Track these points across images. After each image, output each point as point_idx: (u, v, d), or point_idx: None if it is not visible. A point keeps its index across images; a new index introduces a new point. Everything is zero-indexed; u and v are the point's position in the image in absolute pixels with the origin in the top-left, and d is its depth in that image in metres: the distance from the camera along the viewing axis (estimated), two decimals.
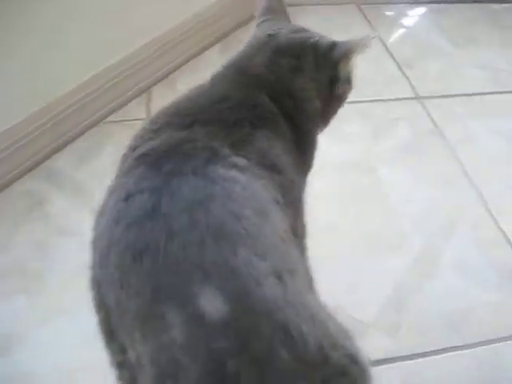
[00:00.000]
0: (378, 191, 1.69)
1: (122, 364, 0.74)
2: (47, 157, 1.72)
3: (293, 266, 0.77)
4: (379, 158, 1.80)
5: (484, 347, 1.37)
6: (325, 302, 0.82)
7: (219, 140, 0.86)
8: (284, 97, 1.00)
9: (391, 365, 1.32)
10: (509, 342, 1.38)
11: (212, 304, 0.66)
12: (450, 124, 1.95)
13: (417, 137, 1.90)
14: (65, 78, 1.69)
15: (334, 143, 1.83)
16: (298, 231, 0.94)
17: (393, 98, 2.06)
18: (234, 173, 0.80)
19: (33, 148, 1.67)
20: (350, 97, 2.00)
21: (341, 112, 1.94)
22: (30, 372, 1.24)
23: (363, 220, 1.60)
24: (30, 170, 1.68)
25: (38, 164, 1.70)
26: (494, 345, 1.37)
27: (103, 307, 0.75)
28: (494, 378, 1.32)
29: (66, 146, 1.76)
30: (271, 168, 0.89)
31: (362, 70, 2.11)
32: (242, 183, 0.79)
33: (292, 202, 0.93)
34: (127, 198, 0.77)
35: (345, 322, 1.33)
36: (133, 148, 0.88)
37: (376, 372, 1.27)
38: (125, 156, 0.89)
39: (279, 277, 0.71)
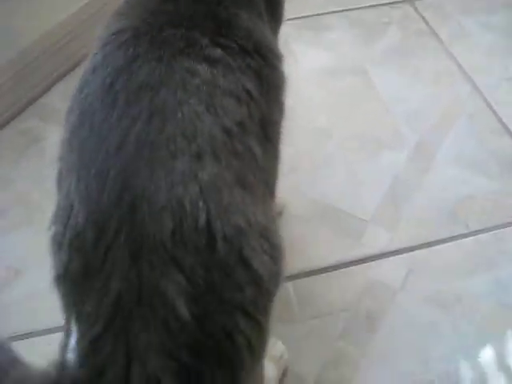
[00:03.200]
0: (370, 92, 1.66)
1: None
2: (41, 94, 1.70)
3: (226, 154, 0.78)
4: (370, 60, 1.76)
5: (487, 233, 1.35)
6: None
7: (202, 24, 0.88)
8: None
9: (395, 257, 1.31)
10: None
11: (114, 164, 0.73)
12: (442, 22, 1.90)
13: (409, 38, 1.85)
14: (58, 8, 1.66)
15: (321, 51, 1.79)
16: (271, 121, 0.93)
17: (383, 2, 2.00)
18: (200, 66, 0.82)
19: (26, 85, 1.66)
20: (338, 5, 1.96)
21: (329, 20, 1.92)
22: (33, 295, 1.25)
23: (356, 122, 1.57)
24: (24, 108, 1.67)
25: (31, 102, 1.68)
26: (496, 231, 1.36)
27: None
28: (499, 262, 1.30)
29: (59, 81, 1.74)
30: (254, 52, 0.90)
31: None
32: (203, 77, 0.81)
33: (269, 91, 0.92)
34: (94, 70, 0.83)
35: (344, 220, 1.35)
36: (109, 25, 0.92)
37: (381, 265, 1.29)
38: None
39: (199, 157, 0.74)
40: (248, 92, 0.86)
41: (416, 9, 1.96)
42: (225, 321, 0.72)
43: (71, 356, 0.74)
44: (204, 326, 0.70)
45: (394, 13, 1.94)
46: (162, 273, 0.68)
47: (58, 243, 0.76)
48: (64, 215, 0.76)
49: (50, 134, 1.58)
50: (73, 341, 0.73)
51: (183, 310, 0.68)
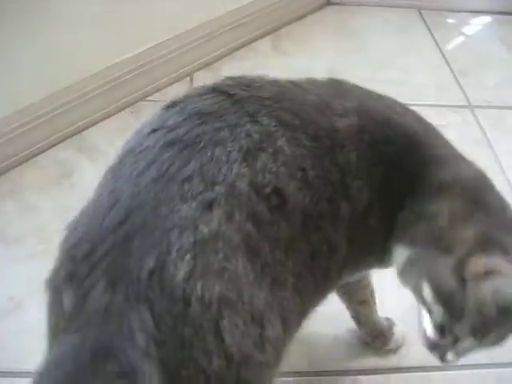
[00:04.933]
0: None
1: None
2: (83, 129, 1.72)
3: (244, 214, 0.76)
4: None
5: None
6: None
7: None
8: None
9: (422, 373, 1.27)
10: None
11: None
12: (499, 135, 1.88)
13: (463, 145, 1.82)
14: (111, 53, 1.71)
15: None
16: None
17: (444, 104, 2.00)
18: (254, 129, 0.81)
19: (70, 118, 1.68)
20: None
21: None
22: (28, 332, 1.19)
23: None
24: (64, 139, 1.69)
25: (73, 135, 1.70)
26: None
27: None
28: None
29: (103, 120, 1.76)
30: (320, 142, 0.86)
31: (417, 75, 2.08)
32: (253, 138, 0.80)
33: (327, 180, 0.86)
34: (156, 130, 0.82)
35: None
36: None
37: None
38: None
39: (209, 206, 0.73)
40: (303, 171, 0.82)
41: (475, 116, 1.95)
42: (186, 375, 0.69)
43: None
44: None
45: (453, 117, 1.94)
46: (132, 306, 0.67)
47: (61, 247, 0.79)
48: (75, 223, 0.79)
49: (85, 168, 1.60)
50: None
51: (142, 344, 0.67)
